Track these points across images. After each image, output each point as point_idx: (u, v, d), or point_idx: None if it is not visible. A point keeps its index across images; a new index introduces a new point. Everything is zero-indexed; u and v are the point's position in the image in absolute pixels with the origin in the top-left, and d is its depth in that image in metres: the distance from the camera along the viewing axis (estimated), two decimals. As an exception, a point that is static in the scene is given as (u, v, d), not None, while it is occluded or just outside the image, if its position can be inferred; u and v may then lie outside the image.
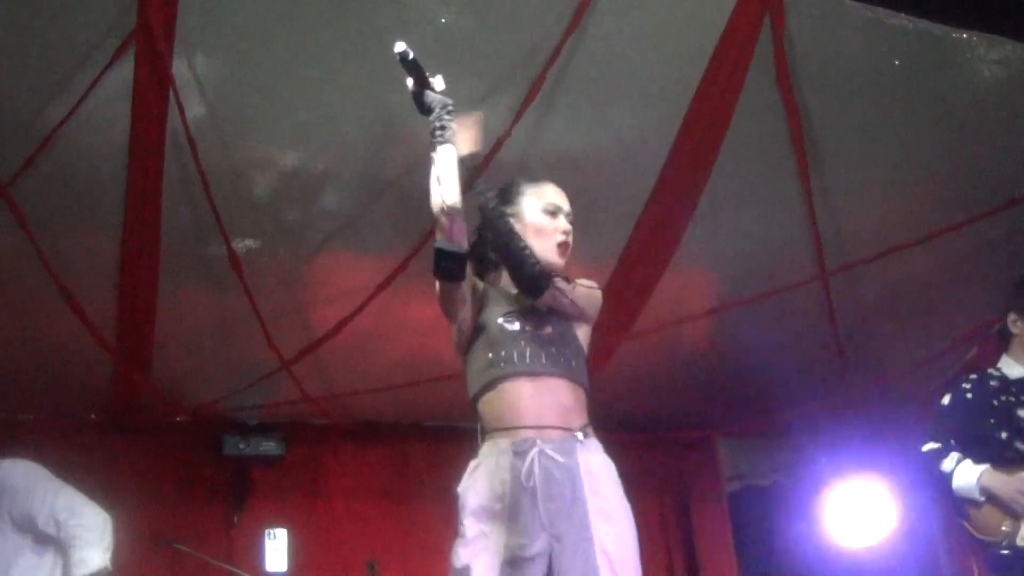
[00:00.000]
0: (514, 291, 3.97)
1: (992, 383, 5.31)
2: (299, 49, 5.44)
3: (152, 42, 5.18)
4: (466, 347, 3.96)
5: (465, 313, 3.92)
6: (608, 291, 6.95)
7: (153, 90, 5.39)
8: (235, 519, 8.28)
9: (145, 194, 5.91)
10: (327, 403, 7.91)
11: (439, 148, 3.71)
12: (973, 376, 5.39)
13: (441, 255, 3.70)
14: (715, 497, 9.89)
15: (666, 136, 6.04)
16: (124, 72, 5.30)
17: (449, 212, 3.68)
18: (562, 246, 4.06)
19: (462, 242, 3.75)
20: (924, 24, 5.68)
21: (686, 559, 9.71)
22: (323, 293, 7.04)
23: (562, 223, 4.07)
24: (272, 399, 7.84)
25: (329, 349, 7.12)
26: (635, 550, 3.75)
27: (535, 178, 4.14)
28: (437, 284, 3.87)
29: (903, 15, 5.61)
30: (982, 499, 5.02)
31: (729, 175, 6.21)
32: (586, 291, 4.08)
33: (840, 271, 7.01)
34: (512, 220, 3.94)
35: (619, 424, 9.09)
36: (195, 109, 5.52)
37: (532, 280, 3.79)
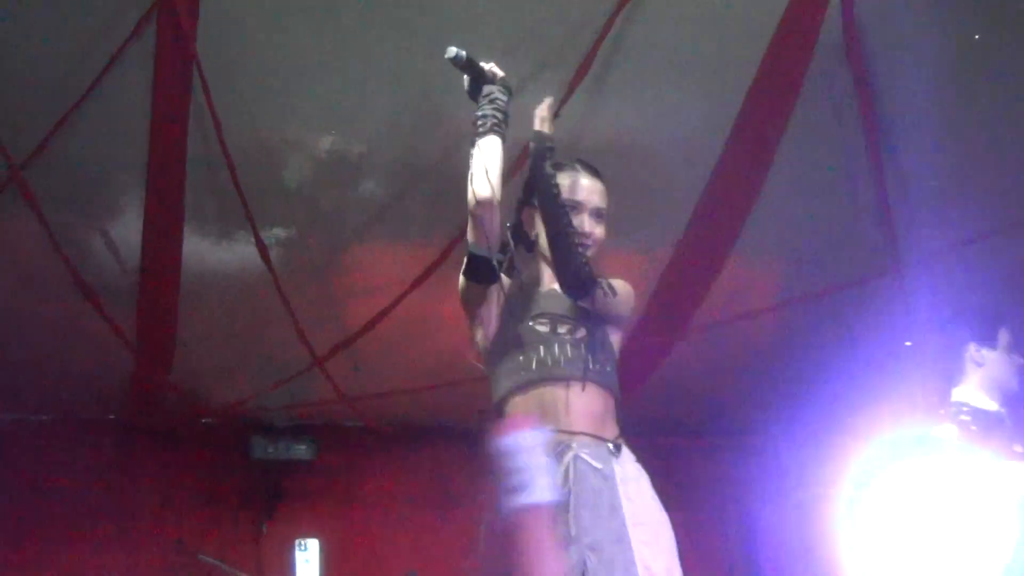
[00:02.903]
0: (546, 288, 3.94)
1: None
2: (333, 24, 5.43)
3: (174, 14, 5.18)
4: (491, 347, 3.93)
5: (490, 312, 3.90)
6: (664, 284, 7.00)
7: (176, 66, 5.40)
8: (264, 528, 8.32)
9: (167, 179, 5.93)
10: (362, 403, 7.91)
11: (479, 140, 3.72)
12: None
13: (473, 260, 3.73)
14: (778, 504, 9.85)
15: (726, 116, 5.98)
16: (145, 47, 5.31)
17: (482, 206, 3.67)
18: None
19: (494, 240, 3.75)
20: (1010, -6, 5.63)
21: (748, 572, 9.68)
22: (358, 285, 7.05)
23: (583, 224, 3.93)
24: (303, 399, 7.85)
25: (364, 345, 7.11)
26: (676, 563, 3.71)
27: (570, 164, 4.03)
28: (461, 279, 3.86)
29: (987, -15, 5.56)
30: None
31: (795, 159, 6.15)
32: (623, 294, 4.02)
33: (918, 263, 6.92)
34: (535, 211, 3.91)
35: (674, 427, 9.09)
36: (221, 87, 5.49)
37: (576, 280, 3.75)
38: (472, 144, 3.73)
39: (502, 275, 3.92)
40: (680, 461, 9.40)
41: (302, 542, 6.98)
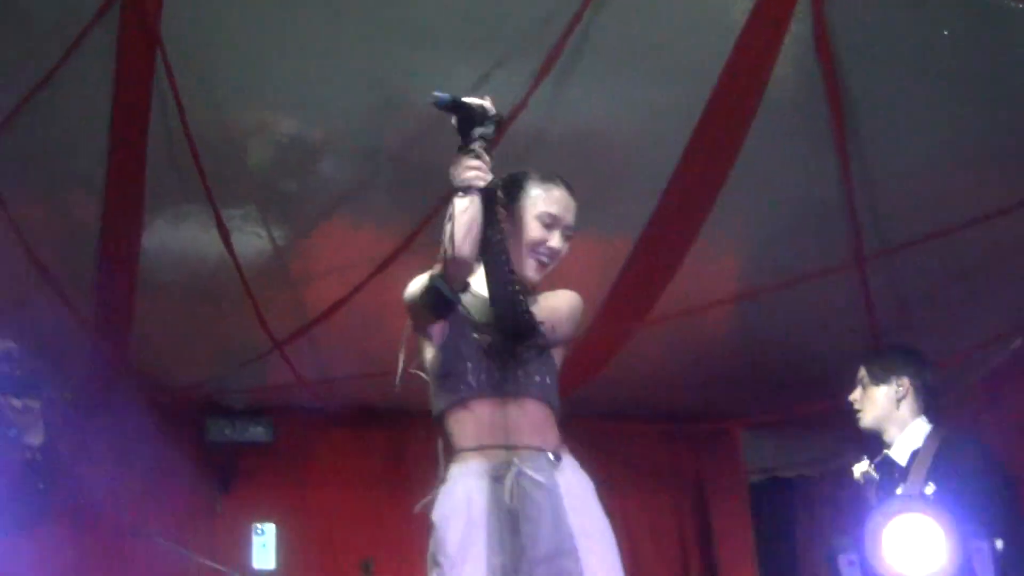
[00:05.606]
0: (487, 297, 3.89)
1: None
2: (297, 10, 5.41)
3: (139, -2, 5.16)
4: (433, 358, 3.92)
5: (437, 328, 3.87)
6: (626, 273, 7.01)
7: (139, 50, 5.38)
8: (219, 510, 8.27)
9: (128, 161, 5.90)
10: (321, 387, 7.90)
11: (456, 199, 3.59)
12: None
13: (436, 296, 3.64)
14: (735, 489, 9.90)
15: (694, 108, 5.98)
16: (108, 30, 5.28)
17: (456, 263, 3.61)
18: (541, 265, 3.96)
19: (459, 287, 3.71)
20: (977, -8, 5.64)
21: (703, 554, 9.71)
22: (319, 269, 7.05)
23: (554, 239, 3.92)
24: (262, 382, 7.83)
25: (324, 329, 7.11)
26: (620, 571, 3.74)
27: (547, 176, 4.02)
28: (411, 296, 3.84)
29: (953, -19, 5.57)
30: None
31: (760, 152, 6.16)
32: (568, 312, 4.03)
33: (879, 256, 6.96)
34: (504, 214, 3.86)
35: (634, 413, 9.13)
36: (184, 71, 5.48)
37: (518, 332, 3.74)
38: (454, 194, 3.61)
39: None
40: (638, 446, 9.45)
41: (259, 527, 6.93)
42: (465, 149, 3.60)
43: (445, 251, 3.60)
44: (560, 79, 5.67)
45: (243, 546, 7.05)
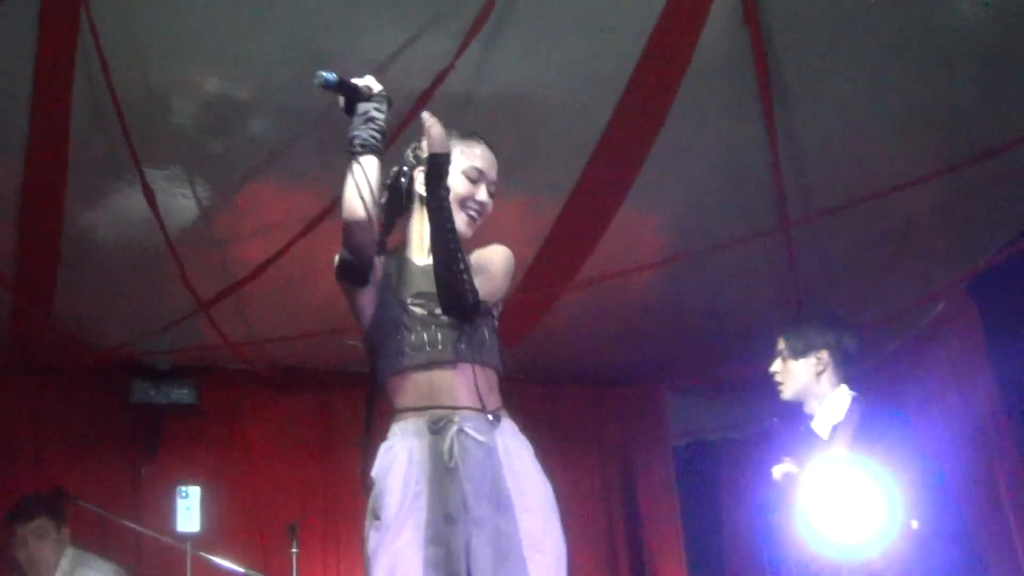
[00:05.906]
0: (422, 263, 3.95)
1: None
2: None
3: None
4: (370, 327, 3.94)
5: (366, 296, 3.91)
6: (554, 235, 7.03)
7: (63, 5, 5.29)
8: (143, 473, 8.24)
9: (52, 118, 5.82)
10: (247, 349, 7.87)
11: (354, 161, 3.68)
12: None
13: (345, 266, 3.80)
14: (660, 452, 9.96)
15: (622, 71, 6.00)
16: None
17: (357, 226, 3.69)
18: (471, 220, 4.02)
19: (368, 253, 3.81)
20: (902, -41, 5.67)
21: (628, 514, 9.78)
22: (245, 229, 7.02)
23: (481, 193, 4.01)
24: (186, 343, 7.79)
25: (250, 290, 7.08)
26: (559, 531, 3.79)
27: (467, 133, 4.08)
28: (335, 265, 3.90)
29: (880, -52, 5.60)
30: None
31: (688, 115, 6.19)
32: (500, 272, 4.05)
33: (803, 221, 7.01)
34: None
35: (561, 375, 9.17)
36: (109, 27, 5.38)
37: (461, 310, 3.78)
38: (348, 162, 3.70)
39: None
40: (564, 409, 9.49)
41: (183, 489, 6.87)
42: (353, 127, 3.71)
43: (345, 218, 3.71)
44: (489, 41, 5.66)
45: (167, 509, 6.98)
